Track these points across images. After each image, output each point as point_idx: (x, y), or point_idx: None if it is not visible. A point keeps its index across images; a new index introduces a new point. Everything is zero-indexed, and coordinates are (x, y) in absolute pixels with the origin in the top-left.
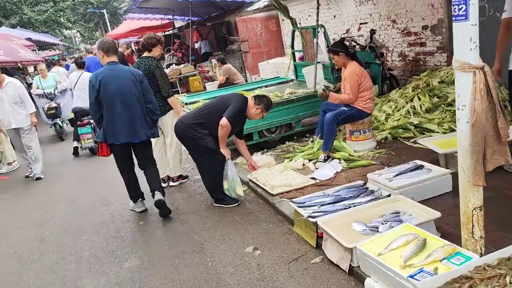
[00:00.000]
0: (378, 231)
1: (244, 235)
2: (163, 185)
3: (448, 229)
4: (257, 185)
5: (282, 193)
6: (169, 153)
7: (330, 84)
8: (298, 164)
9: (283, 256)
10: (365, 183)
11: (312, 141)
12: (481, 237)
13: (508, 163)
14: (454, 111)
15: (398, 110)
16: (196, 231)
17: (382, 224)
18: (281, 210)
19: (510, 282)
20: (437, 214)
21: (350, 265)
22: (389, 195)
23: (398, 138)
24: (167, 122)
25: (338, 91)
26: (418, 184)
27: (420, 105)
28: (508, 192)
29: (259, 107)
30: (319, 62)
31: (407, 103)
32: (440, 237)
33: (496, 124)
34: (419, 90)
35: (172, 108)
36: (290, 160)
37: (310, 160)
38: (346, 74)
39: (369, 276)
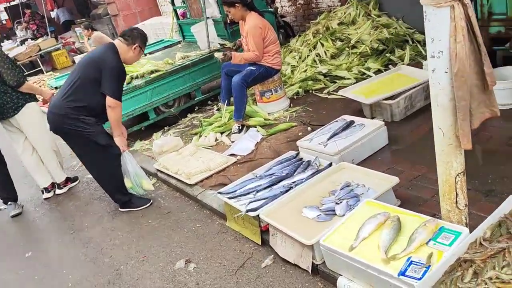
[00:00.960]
0: (335, 214)
1: (169, 245)
2: (47, 195)
3: (404, 191)
4: (169, 175)
5: (202, 181)
6: (42, 157)
7: (227, 43)
8: (210, 140)
9: (225, 265)
10: (297, 154)
11: (218, 109)
12: (465, 205)
13: (495, 115)
14: (361, 53)
15: (303, 61)
16: (105, 251)
17: (337, 204)
18: (206, 203)
19: None
20: (394, 180)
21: (312, 263)
22: (331, 164)
23: (310, 92)
24: (26, 119)
25: (238, 49)
26: (356, 144)
27: (325, 52)
28: None
29: (136, 46)
30: (209, 18)
31: (310, 51)
32: (401, 205)
33: (482, 69)
34: (320, 36)
35: (30, 100)
36: (200, 137)
37: (222, 133)
38: (247, 28)
39: (340, 275)
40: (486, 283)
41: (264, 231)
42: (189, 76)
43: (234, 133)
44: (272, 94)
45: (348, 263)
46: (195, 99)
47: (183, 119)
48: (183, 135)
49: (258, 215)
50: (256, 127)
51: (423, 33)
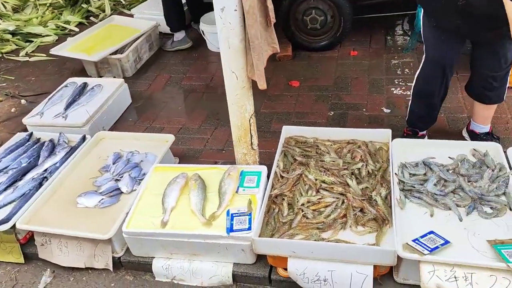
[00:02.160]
0: (121, 193)
1: None
2: None
3: (176, 147)
4: None
5: None
6: None
7: None
8: None
9: None
10: (30, 134)
11: None
12: (257, 145)
13: (276, 51)
14: (51, 4)
15: None
16: None
17: (118, 180)
18: None
19: (310, 178)
20: (170, 137)
21: (113, 257)
22: (84, 138)
23: (0, 55)
24: None
25: None
26: (103, 109)
27: (3, 4)
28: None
29: None
30: None
31: None
32: (180, 162)
33: (265, 5)
34: None
35: None
36: None
37: None
38: None
39: (153, 257)
40: (302, 210)
41: (25, 244)
42: None
43: None
44: None
45: (163, 241)
46: None
47: None
48: None
49: (13, 226)
50: None
51: None
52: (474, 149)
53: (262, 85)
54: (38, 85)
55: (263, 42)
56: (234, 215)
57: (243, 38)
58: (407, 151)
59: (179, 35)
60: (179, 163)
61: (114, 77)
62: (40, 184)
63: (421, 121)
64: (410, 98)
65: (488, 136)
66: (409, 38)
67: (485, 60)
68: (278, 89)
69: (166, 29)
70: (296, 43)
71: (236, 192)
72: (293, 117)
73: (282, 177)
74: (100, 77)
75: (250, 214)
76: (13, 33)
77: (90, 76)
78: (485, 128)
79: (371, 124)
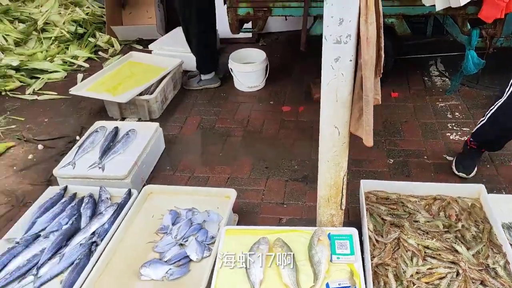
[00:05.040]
0: (189, 260)
1: None
2: None
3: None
4: None
5: None
6: None
7: None
8: None
9: None
10: (65, 188)
11: None
12: (345, 205)
13: (378, 103)
14: (56, 38)
15: None
16: None
17: (182, 245)
18: None
19: (410, 243)
20: (232, 193)
21: None
22: (130, 192)
23: (4, 93)
24: None
25: None
26: (143, 157)
27: (4, 37)
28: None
29: None
30: None
31: None
32: (240, 220)
33: (379, 53)
34: None
35: None
36: None
37: None
38: None
39: None
40: (414, 283)
41: None
42: None
43: None
44: None
45: None
46: None
47: None
48: None
49: None
50: None
51: None
52: None
53: (369, 142)
54: (54, 127)
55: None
56: None
57: (351, 91)
58: (503, 207)
59: (209, 74)
60: (239, 220)
61: (140, 118)
62: (90, 250)
63: (488, 144)
64: (484, 117)
65: None
66: (448, 79)
67: None
68: None
69: (188, 66)
70: None
71: (330, 261)
72: (351, 165)
73: (377, 241)
74: (123, 118)
75: None
76: (16, 69)
77: (112, 118)
78: None
79: (439, 174)
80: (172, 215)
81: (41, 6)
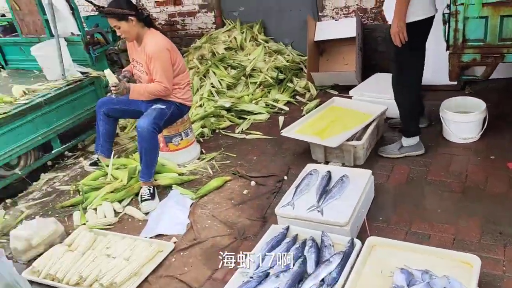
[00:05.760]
0: None
1: None
2: None
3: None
4: None
5: None
6: None
7: (91, 71)
8: (107, 214)
9: None
10: (287, 228)
11: (95, 162)
12: None
13: None
14: (262, 83)
15: (195, 92)
16: None
17: None
18: None
19: None
20: (475, 260)
21: None
22: (353, 242)
23: (217, 131)
24: None
25: (130, 80)
26: (359, 205)
27: (219, 81)
28: None
29: None
30: (60, 36)
31: (200, 80)
32: None
33: None
34: (209, 62)
35: None
36: (85, 211)
37: (120, 201)
38: (150, 51)
39: None
40: None
41: None
42: (42, 119)
43: (146, 199)
44: (182, 139)
45: None
46: (52, 151)
47: (34, 183)
48: (50, 211)
49: None
50: (171, 187)
51: None
52: None
53: None
54: (262, 165)
55: None
56: None
57: None
58: None
59: (413, 140)
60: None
61: (343, 164)
62: None
63: None
64: None
65: None
66: None
67: None
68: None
69: (389, 113)
70: None
71: None
72: None
73: None
74: (327, 162)
75: None
76: (227, 109)
77: (316, 160)
78: None
79: None
80: (405, 274)
81: (249, 54)
